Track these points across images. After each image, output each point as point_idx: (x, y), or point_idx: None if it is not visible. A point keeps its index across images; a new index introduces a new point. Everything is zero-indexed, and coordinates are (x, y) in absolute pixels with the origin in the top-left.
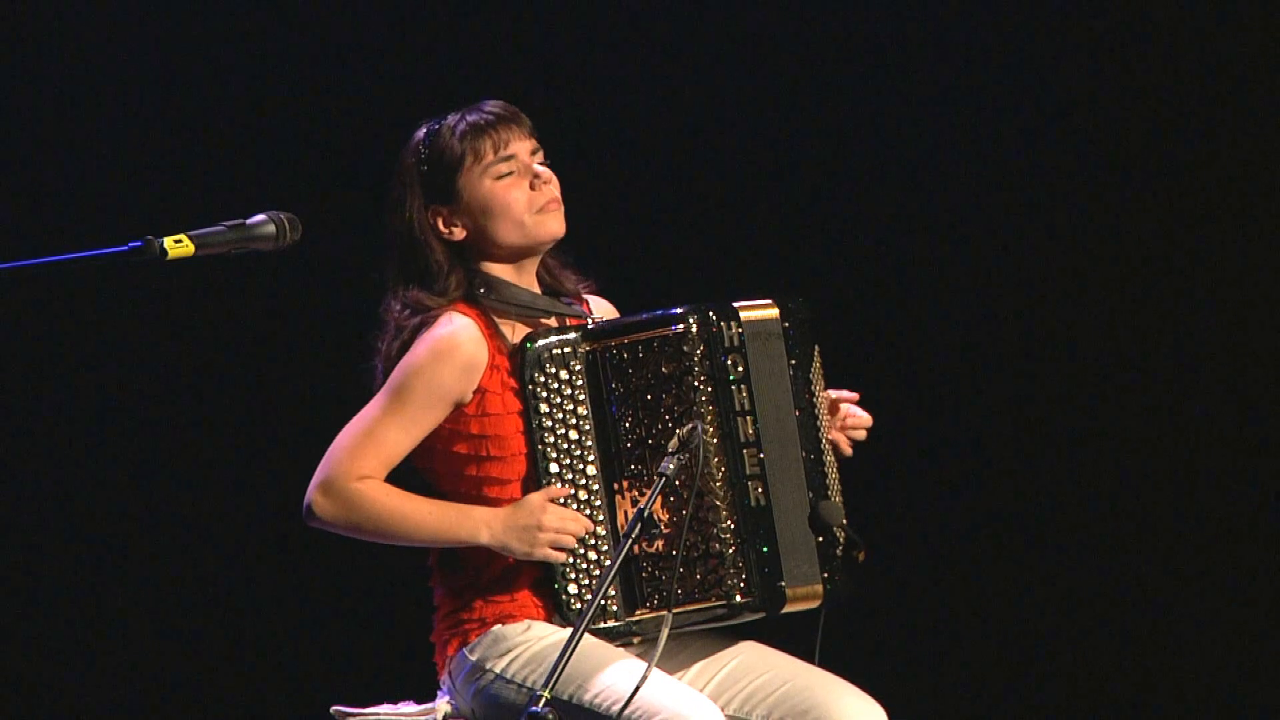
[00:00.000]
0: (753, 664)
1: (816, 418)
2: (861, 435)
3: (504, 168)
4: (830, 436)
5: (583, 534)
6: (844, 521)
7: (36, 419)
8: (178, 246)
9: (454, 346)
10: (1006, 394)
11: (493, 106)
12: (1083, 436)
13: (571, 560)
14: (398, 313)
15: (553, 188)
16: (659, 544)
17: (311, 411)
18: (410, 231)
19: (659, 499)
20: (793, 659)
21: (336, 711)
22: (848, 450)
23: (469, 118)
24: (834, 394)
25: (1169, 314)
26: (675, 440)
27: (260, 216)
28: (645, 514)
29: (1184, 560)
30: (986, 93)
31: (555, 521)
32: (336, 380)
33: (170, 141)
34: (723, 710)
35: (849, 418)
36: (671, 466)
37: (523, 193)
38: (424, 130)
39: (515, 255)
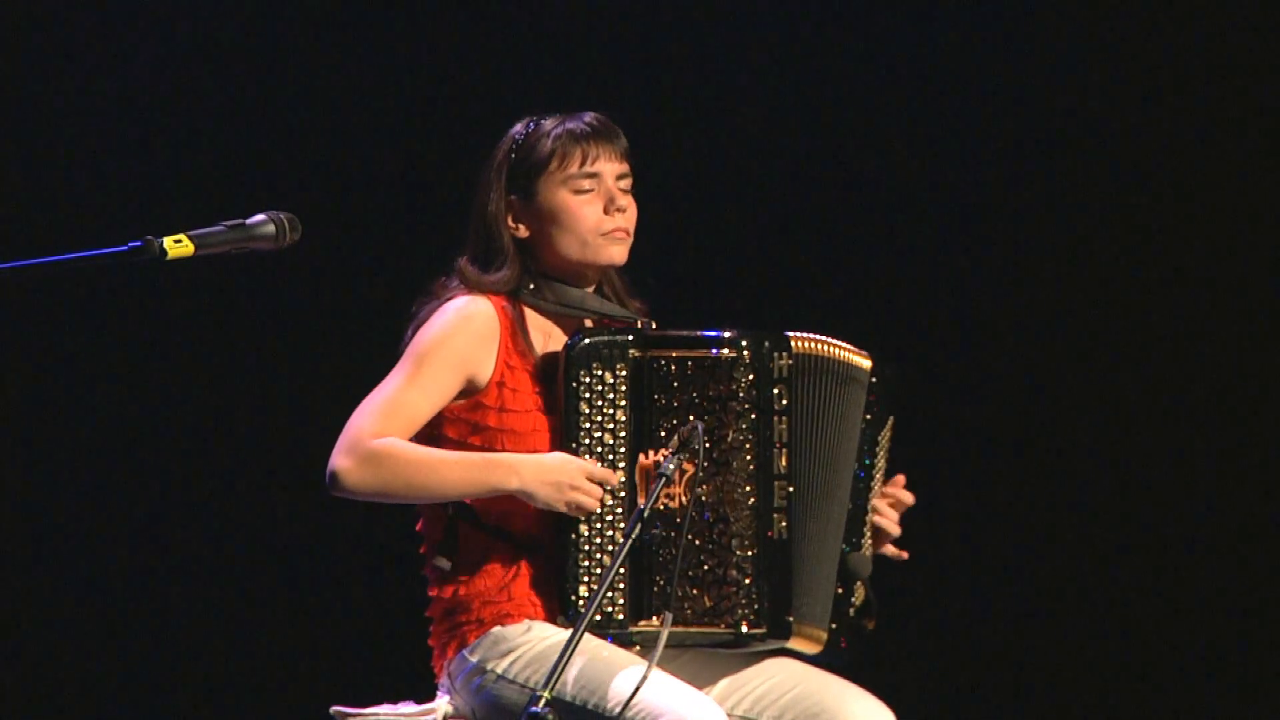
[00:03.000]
0: (762, 666)
1: (872, 478)
2: (894, 526)
3: (586, 184)
4: (875, 520)
5: (608, 501)
6: (867, 578)
7: (37, 419)
8: (178, 246)
9: (469, 316)
10: (1012, 397)
11: (593, 118)
12: (1090, 442)
13: (585, 563)
14: (444, 281)
15: (625, 217)
16: (670, 556)
17: (313, 413)
18: (485, 212)
19: (657, 500)
20: (802, 663)
21: (336, 712)
22: (890, 543)
23: (568, 124)
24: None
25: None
26: (675, 440)
27: (260, 216)
28: (645, 514)
29: (1190, 565)
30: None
31: (587, 484)
32: (337, 382)
33: (170, 141)
34: (732, 712)
35: (897, 496)
36: (671, 466)
37: (595, 211)
38: (524, 123)
39: (569, 268)
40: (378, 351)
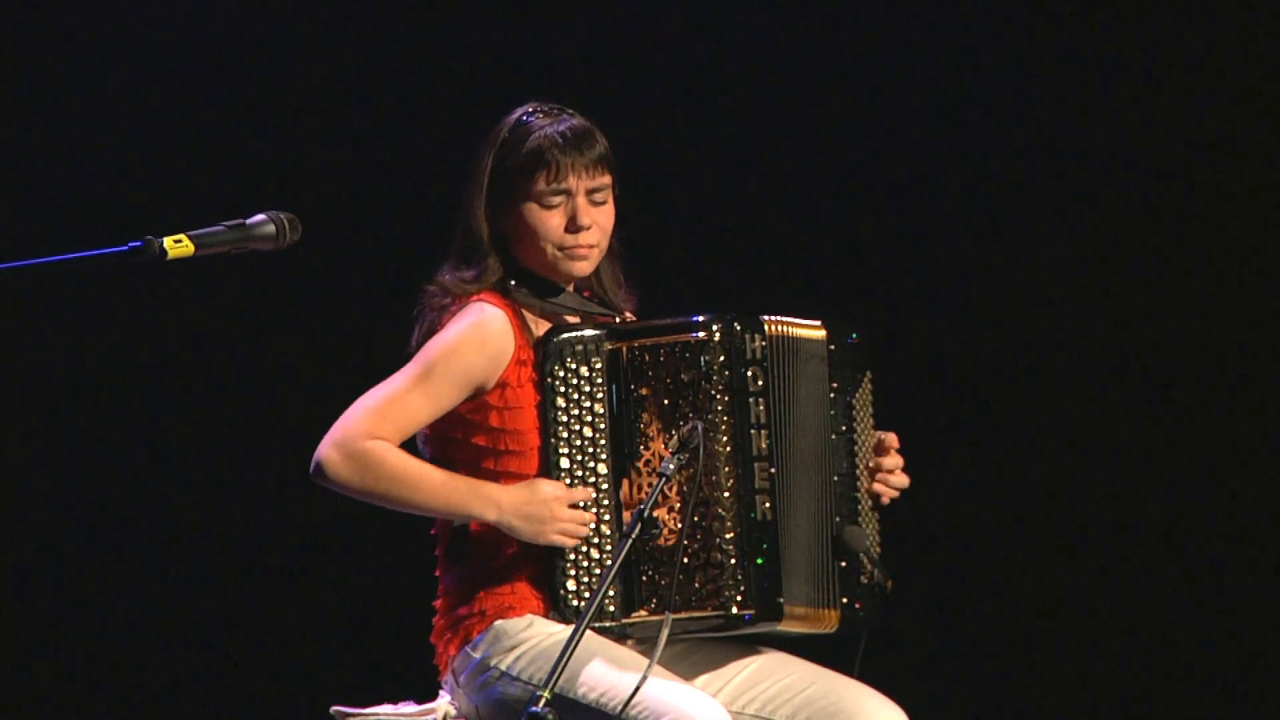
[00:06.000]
0: (774, 667)
1: (854, 443)
2: (900, 481)
3: (553, 200)
4: (872, 488)
5: (591, 527)
6: (869, 548)
7: (36, 419)
8: (178, 246)
9: (486, 335)
10: (1025, 400)
11: (569, 128)
12: (1103, 442)
13: (573, 556)
14: (432, 294)
15: (589, 234)
16: (660, 547)
17: (312, 412)
18: (469, 206)
19: (663, 501)
20: (813, 664)
21: (336, 712)
22: (884, 499)
23: (548, 130)
24: (879, 435)
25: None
26: (675, 439)
27: (260, 216)
28: (645, 514)
29: (1203, 567)
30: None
31: (568, 512)
32: (336, 381)
33: (170, 141)
34: (743, 711)
35: (884, 461)
36: (671, 466)
37: (557, 227)
38: (517, 116)
39: (542, 271)
40: (378, 350)
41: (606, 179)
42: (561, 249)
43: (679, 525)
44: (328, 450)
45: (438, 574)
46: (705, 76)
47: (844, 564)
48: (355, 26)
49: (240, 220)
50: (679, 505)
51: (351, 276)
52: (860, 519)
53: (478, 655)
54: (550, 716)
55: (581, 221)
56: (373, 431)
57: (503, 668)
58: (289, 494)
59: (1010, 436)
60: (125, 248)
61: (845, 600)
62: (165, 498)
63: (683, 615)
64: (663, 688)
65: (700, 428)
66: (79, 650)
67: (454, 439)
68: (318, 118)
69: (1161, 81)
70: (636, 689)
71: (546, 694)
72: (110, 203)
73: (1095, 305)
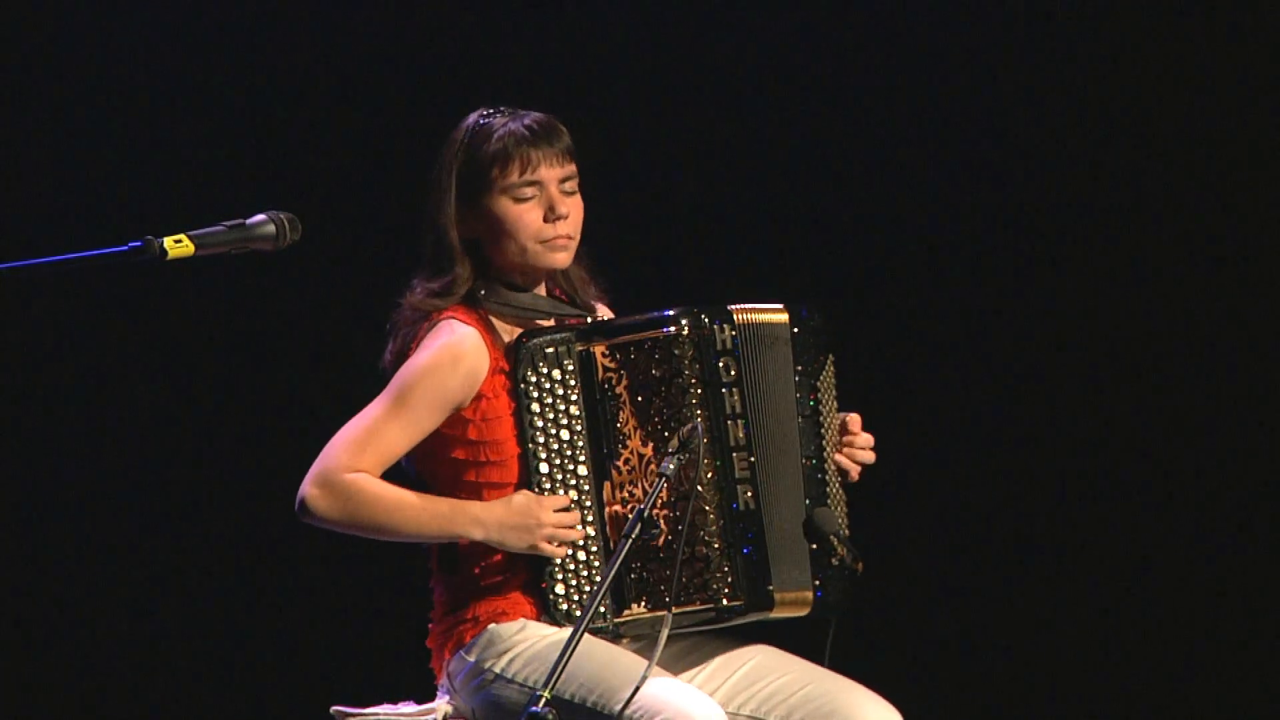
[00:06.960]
0: (770, 666)
1: (820, 425)
2: (869, 457)
3: (526, 191)
4: (836, 458)
5: (577, 528)
6: (839, 529)
7: (36, 419)
8: (178, 246)
9: (459, 356)
10: (1018, 398)
11: (533, 120)
12: (1098, 440)
13: (559, 560)
14: (404, 310)
15: (567, 224)
16: (647, 544)
17: (310, 411)
18: (437, 214)
19: (656, 500)
20: (809, 663)
21: (336, 711)
22: (854, 475)
23: (511, 125)
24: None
25: (1182, 321)
26: (675, 440)
27: (260, 216)
28: (645, 514)
29: (1198, 566)
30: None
31: (552, 517)
32: (335, 380)
33: (170, 141)
34: (739, 711)
35: (856, 438)
36: (671, 466)
37: (535, 219)
38: (473, 120)
39: (515, 269)
40: (377, 351)
41: (574, 168)
42: (541, 241)
43: (667, 523)
44: (309, 488)
45: (431, 585)
46: (642, 70)
47: (814, 547)
48: (356, 26)
49: (240, 220)
50: (669, 502)
51: (351, 277)
52: (829, 500)
53: (472, 659)
54: (550, 716)
55: (560, 210)
56: (353, 465)
57: (497, 670)
58: (288, 493)
59: (1009, 436)
60: (125, 248)
61: (818, 583)
62: (165, 497)
63: (674, 611)
64: (661, 687)
65: (699, 427)
66: (79, 650)
67: (431, 454)
68: (317, 118)
69: (1114, 70)
70: (636, 689)
71: (546, 694)
72: (110, 203)
73: (1065, 286)
